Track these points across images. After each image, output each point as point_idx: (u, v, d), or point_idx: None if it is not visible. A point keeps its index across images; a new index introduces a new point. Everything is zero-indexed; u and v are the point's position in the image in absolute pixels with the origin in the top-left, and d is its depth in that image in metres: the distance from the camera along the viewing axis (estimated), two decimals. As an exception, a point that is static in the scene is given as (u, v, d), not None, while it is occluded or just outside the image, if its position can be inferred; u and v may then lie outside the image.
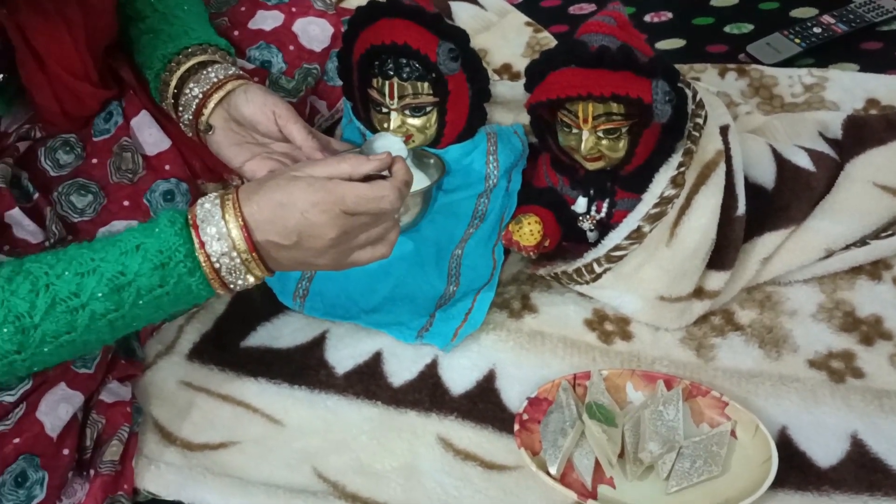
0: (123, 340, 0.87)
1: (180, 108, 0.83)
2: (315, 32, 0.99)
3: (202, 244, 0.65)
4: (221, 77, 0.81)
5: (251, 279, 0.67)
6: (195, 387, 0.87)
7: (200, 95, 0.81)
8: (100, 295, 0.63)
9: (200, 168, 0.91)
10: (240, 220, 0.65)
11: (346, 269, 0.71)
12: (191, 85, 0.81)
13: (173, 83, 0.82)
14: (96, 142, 0.87)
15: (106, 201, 0.85)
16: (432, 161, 0.85)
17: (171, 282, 0.65)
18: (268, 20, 0.98)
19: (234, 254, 0.65)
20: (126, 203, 0.86)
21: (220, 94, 0.80)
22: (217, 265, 0.65)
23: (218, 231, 0.65)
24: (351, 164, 0.68)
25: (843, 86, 1.13)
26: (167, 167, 0.89)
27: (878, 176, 0.90)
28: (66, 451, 0.73)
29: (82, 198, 0.84)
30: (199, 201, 0.67)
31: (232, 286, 0.67)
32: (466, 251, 0.90)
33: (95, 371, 0.77)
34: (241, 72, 0.84)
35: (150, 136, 0.88)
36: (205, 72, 0.81)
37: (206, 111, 0.81)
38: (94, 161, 0.87)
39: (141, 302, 0.65)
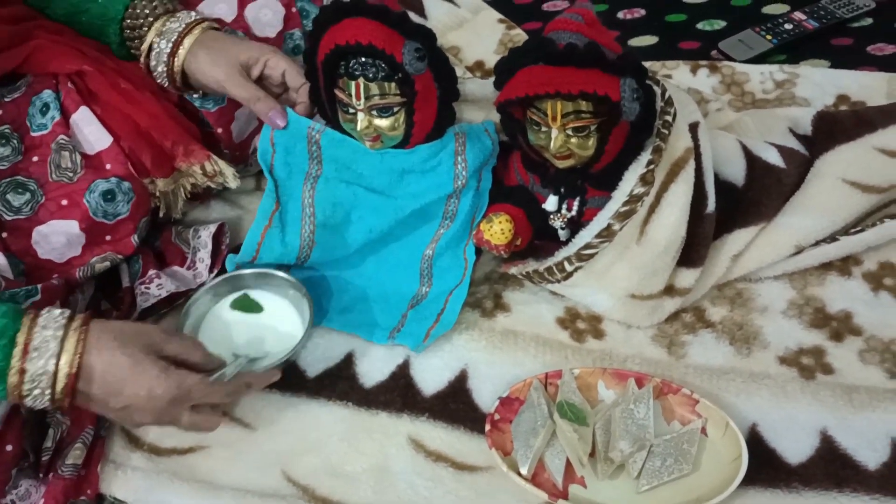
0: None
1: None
2: (267, 17, 0.98)
3: (22, 372, 0.65)
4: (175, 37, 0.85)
5: (47, 405, 0.68)
6: (163, 390, 0.86)
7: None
8: None
9: (151, 163, 0.88)
10: (74, 367, 0.66)
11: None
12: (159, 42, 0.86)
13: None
14: (34, 136, 0.85)
15: (44, 200, 0.83)
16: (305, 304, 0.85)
17: None
18: (219, 4, 0.96)
19: (48, 391, 0.66)
20: (64, 202, 0.83)
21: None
22: (26, 393, 0.66)
23: (44, 368, 0.66)
24: (201, 357, 0.75)
25: (814, 82, 1.14)
26: (108, 166, 0.86)
27: (848, 172, 0.91)
28: (9, 448, 0.73)
29: (19, 196, 0.82)
30: (42, 322, 0.67)
31: (28, 403, 0.68)
32: (437, 251, 0.89)
33: None
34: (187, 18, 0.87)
35: (90, 134, 0.86)
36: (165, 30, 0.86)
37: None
38: (35, 158, 0.84)
39: None
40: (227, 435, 0.81)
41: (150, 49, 0.86)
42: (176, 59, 0.85)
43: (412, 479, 0.78)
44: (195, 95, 0.91)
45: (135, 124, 0.88)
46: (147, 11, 0.86)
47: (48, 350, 0.66)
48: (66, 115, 0.86)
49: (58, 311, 0.68)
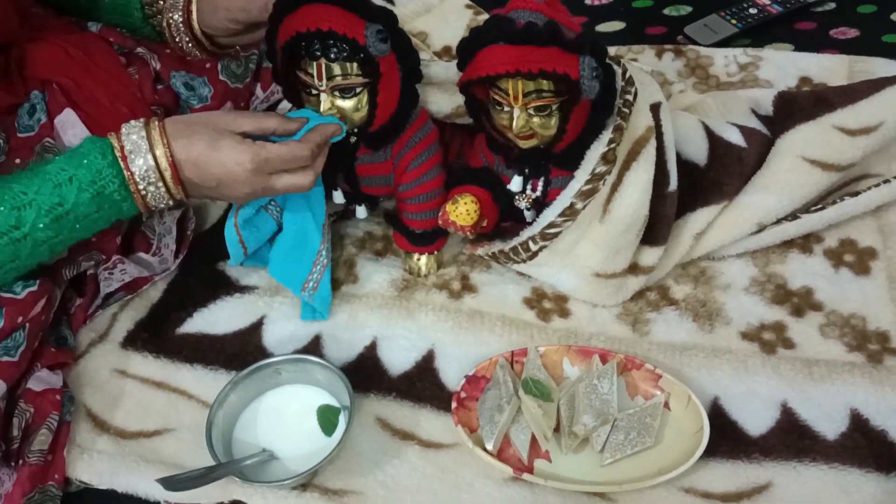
0: (54, 328, 0.85)
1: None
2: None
3: (132, 174, 0.73)
4: None
5: (171, 203, 0.76)
6: (129, 374, 0.86)
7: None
8: (41, 226, 0.70)
9: None
10: (168, 157, 0.73)
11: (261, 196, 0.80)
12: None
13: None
14: (20, 138, 0.84)
15: None
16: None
17: (105, 206, 0.73)
18: None
19: (161, 184, 0.74)
20: None
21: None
22: (144, 192, 0.74)
23: (146, 164, 0.73)
24: (276, 122, 0.77)
25: (777, 64, 1.15)
26: None
27: (807, 150, 0.92)
28: None
29: None
30: (124, 131, 0.73)
31: (153, 207, 0.76)
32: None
33: (20, 359, 0.76)
34: None
35: (74, 137, 0.85)
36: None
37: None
38: (18, 161, 0.83)
39: (78, 226, 0.73)
40: (192, 417, 0.81)
41: (168, 26, 0.89)
42: (192, 20, 0.87)
43: (378, 458, 0.78)
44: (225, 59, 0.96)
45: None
46: None
47: (140, 149, 0.72)
48: (50, 116, 0.85)
49: (133, 122, 0.74)
